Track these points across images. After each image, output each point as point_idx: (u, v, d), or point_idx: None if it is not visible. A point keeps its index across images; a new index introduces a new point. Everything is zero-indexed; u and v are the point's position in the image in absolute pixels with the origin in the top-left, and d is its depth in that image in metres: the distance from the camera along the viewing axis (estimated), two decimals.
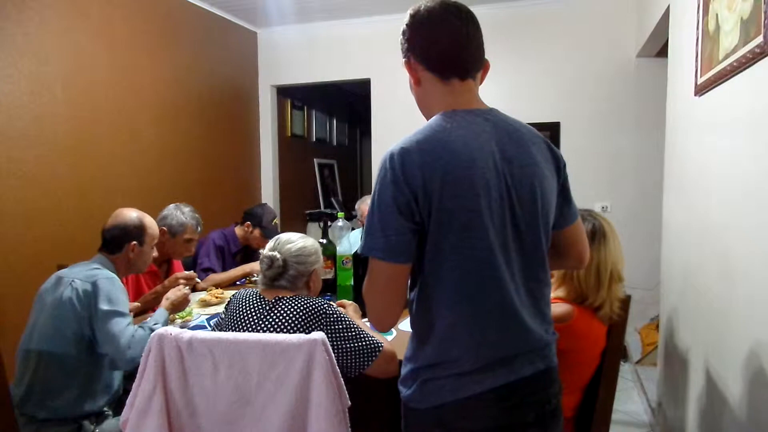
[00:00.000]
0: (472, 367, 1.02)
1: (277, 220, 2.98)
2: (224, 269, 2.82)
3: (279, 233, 2.98)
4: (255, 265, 2.81)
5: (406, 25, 1.14)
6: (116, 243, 1.91)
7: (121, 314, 1.73)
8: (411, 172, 0.98)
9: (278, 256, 1.56)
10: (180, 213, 2.42)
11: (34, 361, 1.71)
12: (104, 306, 1.69)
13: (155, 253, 2.06)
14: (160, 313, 1.89)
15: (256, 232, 2.91)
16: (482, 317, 1.02)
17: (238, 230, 2.97)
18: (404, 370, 1.11)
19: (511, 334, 1.06)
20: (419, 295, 1.07)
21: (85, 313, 1.69)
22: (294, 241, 1.62)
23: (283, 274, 1.56)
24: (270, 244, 1.62)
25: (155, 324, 1.78)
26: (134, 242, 1.93)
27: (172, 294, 1.98)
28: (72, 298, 1.69)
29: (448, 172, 0.99)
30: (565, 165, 1.18)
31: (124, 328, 1.70)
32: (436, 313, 1.03)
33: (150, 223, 2.00)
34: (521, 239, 1.06)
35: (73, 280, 1.72)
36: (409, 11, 1.13)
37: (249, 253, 3.06)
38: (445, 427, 1.04)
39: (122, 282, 1.94)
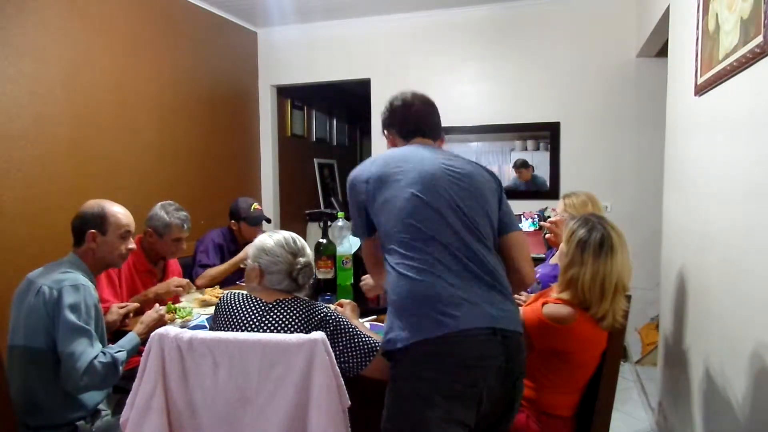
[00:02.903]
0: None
1: (256, 205, 2.98)
2: None
3: (264, 216, 2.99)
4: (248, 250, 2.82)
5: (387, 108, 1.63)
6: (77, 233, 1.82)
7: (83, 332, 1.64)
8: (360, 181, 1.48)
9: (312, 263, 1.58)
10: (164, 213, 2.37)
11: (17, 368, 1.68)
12: (68, 316, 1.62)
13: (131, 244, 1.94)
14: (129, 338, 1.80)
15: (243, 225, 2.94)
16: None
17: (234, 230, 3.00)
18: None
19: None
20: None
21: (51, 321, 1.63)
22: (305, 243, 1.61)
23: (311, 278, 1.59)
24: (290, 246, 1.55)
25: (119, 351, 1.70)
26: (93, 230, 1.82)
27: (147, 317, 1.91)
28: (40, 306, 1.64)
29: (383, 169, 1.44)
30: (501, 183, 1.53)
31: (84, 350, 1.61)
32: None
33: (113, 211, 1.88)
34: (464, 217, 1.36)
35: (41, 287, 1.66)
36: (390, 99, 1.63)
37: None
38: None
39: (97, 281, 1.88)
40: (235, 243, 2.97)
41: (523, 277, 1.46)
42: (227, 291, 1.60)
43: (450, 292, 1.27)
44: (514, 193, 4.10)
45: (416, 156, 1.45)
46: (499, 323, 1.27)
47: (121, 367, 1.69)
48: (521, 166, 4.10)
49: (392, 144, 1.62)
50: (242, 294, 1.53)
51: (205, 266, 2.78)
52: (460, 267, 1.30)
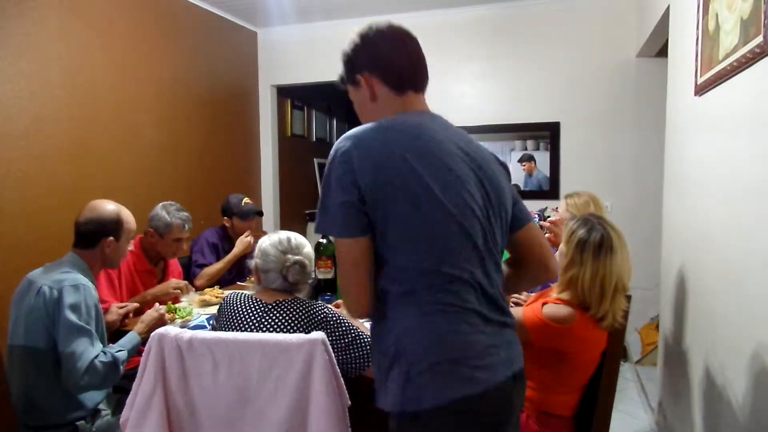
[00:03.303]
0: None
1: (247, 199, 3.01)
2: None
3: (255, 208, 3.00)
4: (241, 245, 2.85)
5: (358, 45, 1.17)
6: (91, 238, 1.82)
7: (84, 331, 1.64)
8: (365, 158, 1.03)
9: (306, 261, 1.55)
10: (165, 213, 2.38)
11: (17, 368, 1.69)
12: (68, 316, 1.62)
13: (131, 246, 1.98)
14: (130, 337, 1.80)
15: (235, 220, 2.97)
16: None
17: (227, 227, 3.02)
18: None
19: None
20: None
21: (51, 321, 1.64)
22: (304, 243, 1.59)
23: (306, 279, 1.56)
24: (282, 245, 1.54)
25: (119, 351, 1.70)
26: (111, 237, 1.84)
27: (148, 316, 1.91)
28: (40, 306, 1.65)
29: (400, 152, 1.04)
30: (507, 167, 1.27)
31: (85, 349, 1.62)
32: None
33: (127, 216, 1.91)
34: (489, 239, 1.10)
35: (41, 287, 1.67)
36: (359, 32, 1.18)
37: None
38: None
39: (97, 280, 1.90)
40: (229, 241, 2.98)
41: (550, 273, 1.24)
42: (231, 291, 1.61)
43: (483, 342, 1.05)
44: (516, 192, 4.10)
45: (433, 139, 1.07)
46: (514, 365, 1.11)
47: (122, 367, 1.69)
48: (527, 159, 4.12)
49: (370, 96, 1.16)
50: (245, 295, 1.54)
51: (202, 266, 2.79)
52: (486, 309, 1.08)
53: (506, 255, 1.28)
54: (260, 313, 1.46)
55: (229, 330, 1.47)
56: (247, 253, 2.89)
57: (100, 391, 1.79)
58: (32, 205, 2.70)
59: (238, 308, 1.49)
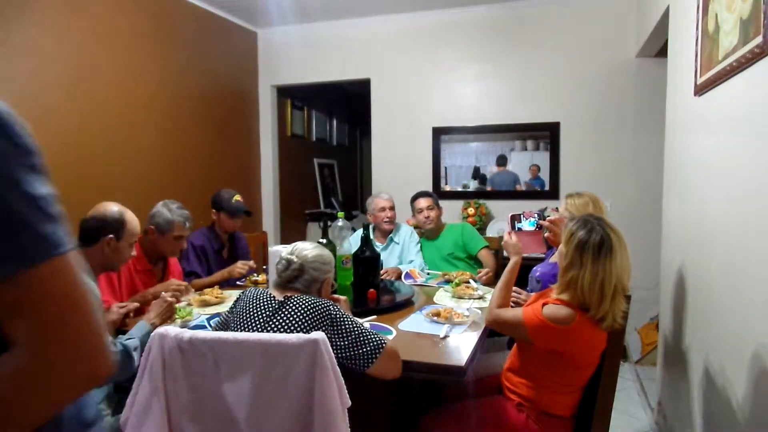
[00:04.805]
0: None
1: (238, 197, 2.98)
2: (209, 267, 2.85)
3: (244, 207, 2.98)
4: (233, 269, 2.76)
5: None
6: (92, 234, 1.83)
7: None
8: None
9: (296, 259, 1.62)
10: (167, 211, 2.38)
11: None
12: None
13: (134, 251, 1.98)
14: (140, 326, 1.80)
15: (222, 215, 2.95)
16: None
17: (215, 221, 3.00)
18: None
19: None
20: None
21: None
22: (310, 248, 1.69)
23: (298, 277, 1.62)
24: (289, 248, 1.70)
25: (129, 339, 1.70)
26: (111, 236, 1.85)
27: (156, 305, 1.91)
28: None
29: None
30: None
31: None
32: None
33: (131, 218, 1.93)
34: None
35: None
36: None
37: (233, 248, 3.07)
38: None
39: (97, 280, 1.89)
40: (217, 240, 2.96)
41: None
42: (249, 288, 1.69)
43: None
44: (518, 193, 4.13)
45: None
46: None
47: (135, 354, 1.68)
48: (533, 165, 4.14)
49: None
50: (260, 291, 1.63)
51: (189, 274, 2.74)
52: None
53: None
54: (269, 309, 1.53)
55: (238, 323, 1.54)
56: (241, 276, 2.80)
57: (109, 385, 1.81)
58: None
59: (250, 303, 1.58)
